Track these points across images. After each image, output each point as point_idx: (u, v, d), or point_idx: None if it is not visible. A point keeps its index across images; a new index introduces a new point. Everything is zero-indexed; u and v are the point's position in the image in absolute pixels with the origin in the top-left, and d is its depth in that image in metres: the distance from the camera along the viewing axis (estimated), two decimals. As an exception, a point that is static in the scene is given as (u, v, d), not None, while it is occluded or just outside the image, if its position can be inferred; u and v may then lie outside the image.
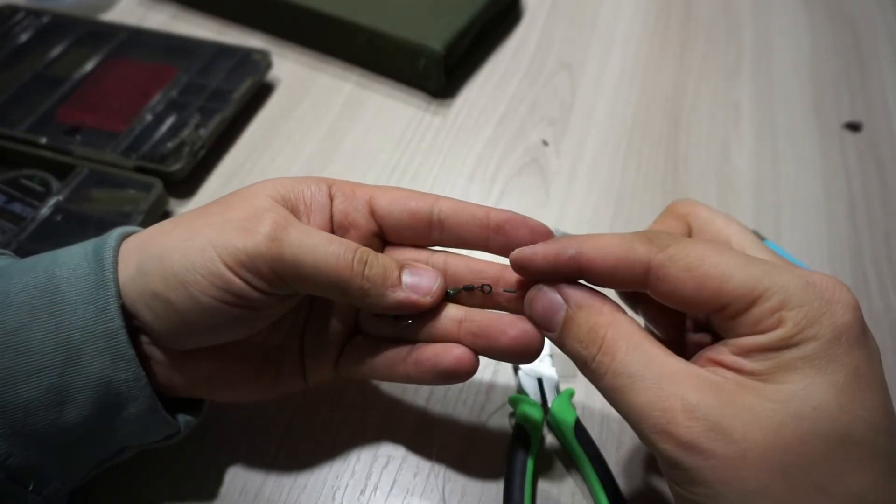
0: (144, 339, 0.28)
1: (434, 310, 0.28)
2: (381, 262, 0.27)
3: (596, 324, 0.24)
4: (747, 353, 0.22)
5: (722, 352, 0.23)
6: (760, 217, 0.45)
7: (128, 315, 0.26)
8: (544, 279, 0.26)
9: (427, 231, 0.29)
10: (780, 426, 0.20)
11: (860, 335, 0.21)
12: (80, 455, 0.28)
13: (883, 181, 0.48)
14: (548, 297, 0.26)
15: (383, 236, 0.30)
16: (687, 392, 0.21)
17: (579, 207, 0.46)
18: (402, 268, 0.28)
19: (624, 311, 0.25)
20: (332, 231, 0.29)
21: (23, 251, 0.40)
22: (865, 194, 0.47)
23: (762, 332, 0.21)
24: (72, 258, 0.27)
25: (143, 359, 0.27)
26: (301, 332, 0.31)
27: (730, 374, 0.22)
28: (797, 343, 0.21)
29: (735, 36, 0.60)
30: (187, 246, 0.26)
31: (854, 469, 0.20)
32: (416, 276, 0.28)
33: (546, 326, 0.26)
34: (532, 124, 0.52)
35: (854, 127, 0.52)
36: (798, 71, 0.56)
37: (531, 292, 0.27)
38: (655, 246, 0.23)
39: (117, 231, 0.28)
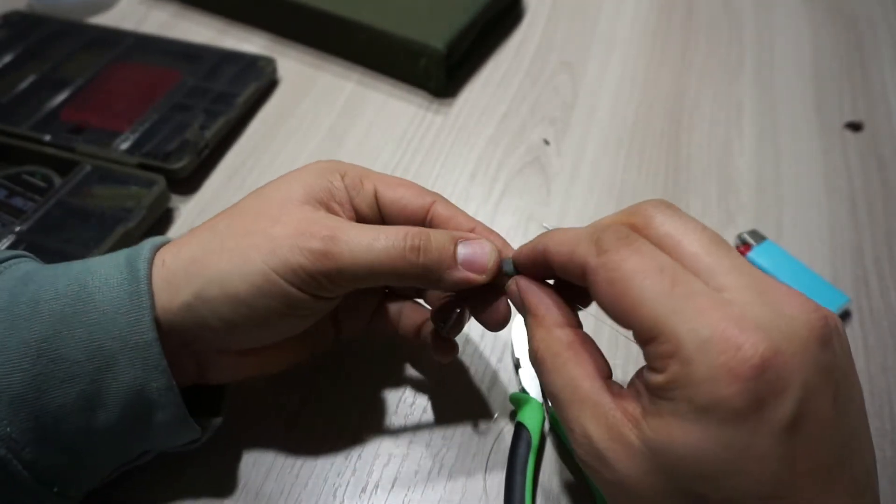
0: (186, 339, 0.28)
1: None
2: (435, 245, 0.27)
3: (533, 336, 0.25)
4: (646, 387, 0.21)
5: (641, 378, 0.22)
6: (761, 216, 0.45)
7: (169, 327, 0.27)
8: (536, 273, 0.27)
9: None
10: (647, 472, 0.21)
11: (743, 409, 0.19)
12: (105, 459, 0.28)
13: (884, 180, 0.48)
14: (514, 297, 0.27)
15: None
16: (586, 421, 0.23)
17: (580, 207, 0.46)
18: (455, 243, 0.28)
19: (568, 325, 0.25)
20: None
21: (22, 242, 0.41)
22: (866, 194, 0.47)
23: (654, 371, 0.21)
24: (103, 267, 0.27)
25: (185, 359, 0.28)
26: None
27: (631, 407, 0.22)
28: (671, 398, 0.20)
29: (736, 35, 0.60)
30: (246, 271, 0.26)
31: None
32: (470, 249, 0.28)
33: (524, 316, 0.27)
34: (533, 123, 0.52)
35: (855, 126, 0.52)
36: (799, 70, 0.56)
37: (509, 283, 0.28)
38: (596, 247, 0.22)
39: (149, 243, 0.28)
